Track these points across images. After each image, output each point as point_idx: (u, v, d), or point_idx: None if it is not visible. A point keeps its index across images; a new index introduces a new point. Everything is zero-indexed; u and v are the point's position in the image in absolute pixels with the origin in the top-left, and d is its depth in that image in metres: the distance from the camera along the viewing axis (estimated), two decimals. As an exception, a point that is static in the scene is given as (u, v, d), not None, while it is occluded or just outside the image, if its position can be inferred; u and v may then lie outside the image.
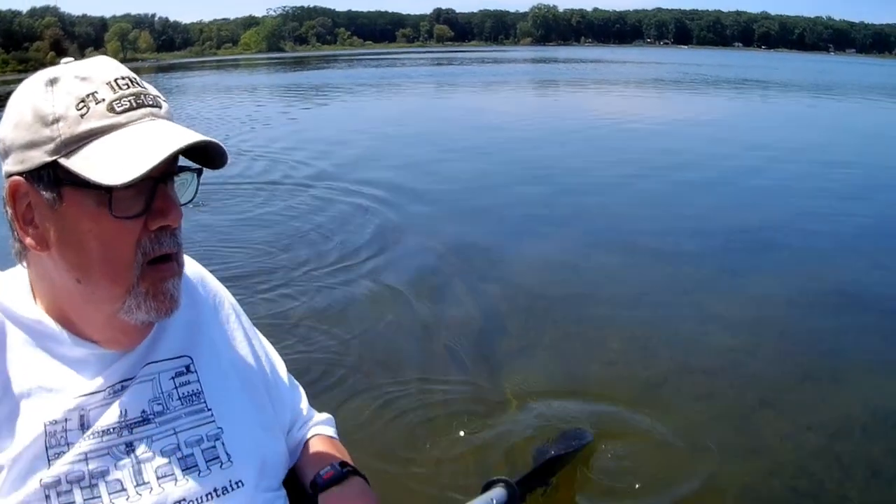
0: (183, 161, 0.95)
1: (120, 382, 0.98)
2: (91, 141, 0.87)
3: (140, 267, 0.91)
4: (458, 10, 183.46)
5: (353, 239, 5.20)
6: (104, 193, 0.86)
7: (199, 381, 1.04)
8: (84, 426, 0.93)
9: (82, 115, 0.87)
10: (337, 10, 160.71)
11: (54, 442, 0.91)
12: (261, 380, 1.16)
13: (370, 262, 4.66)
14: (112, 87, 0.89)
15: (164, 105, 0.93)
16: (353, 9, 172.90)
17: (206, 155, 0.95)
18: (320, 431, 1.27)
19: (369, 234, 5.33)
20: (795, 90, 25.98)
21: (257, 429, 1.09)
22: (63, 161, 0.86)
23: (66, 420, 0.92)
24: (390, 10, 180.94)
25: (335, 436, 1.29)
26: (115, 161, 0.85)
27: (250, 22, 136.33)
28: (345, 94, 21.87)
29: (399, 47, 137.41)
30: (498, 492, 1.44)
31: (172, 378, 1.02)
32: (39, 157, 0.87)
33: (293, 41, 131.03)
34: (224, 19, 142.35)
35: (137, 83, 0.91)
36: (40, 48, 73.94)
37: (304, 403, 1.29)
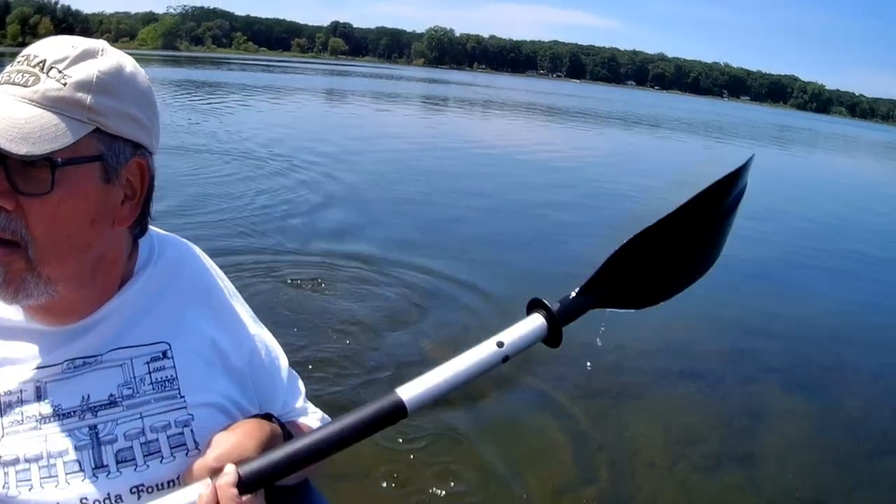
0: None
1: (81, 358, 0.96)
2: None
3: None
4: (355, 25, 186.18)
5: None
6: None
7: (174, 367, 1.01)
8: (40, 397, 0.93)
9: None
10: (236, 13, 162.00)
11: (10, 412, 0.92)
12: (250, 370, 1.12)
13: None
14: (13, 64, 0.89)
15: (39, 86, 0.85)
16: (253, 14, 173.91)
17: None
18: (300, 420, 1.20)
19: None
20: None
21: (236, 419, 1.04)
22: None
23: (21, 391, 0.93)
24: (288, 19, 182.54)
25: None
26: None
27: (150, 18, 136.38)
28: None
29: (293, 56, 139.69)
30: (533, 320, 1.03)
31: (147, 363, 1.00)
32: None
33: (189, 41, 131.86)
34: (125, 13, 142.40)
35: (32, 62, 0.87)
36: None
37: (301, 399, 1.23)
